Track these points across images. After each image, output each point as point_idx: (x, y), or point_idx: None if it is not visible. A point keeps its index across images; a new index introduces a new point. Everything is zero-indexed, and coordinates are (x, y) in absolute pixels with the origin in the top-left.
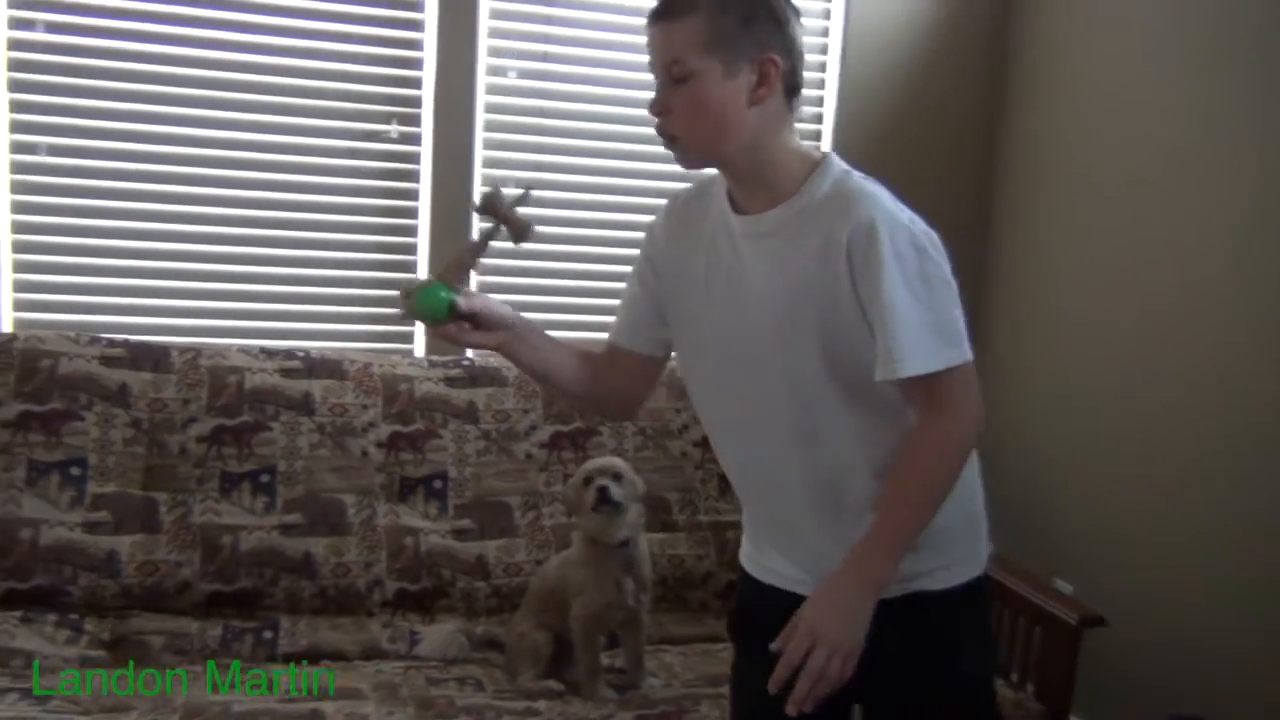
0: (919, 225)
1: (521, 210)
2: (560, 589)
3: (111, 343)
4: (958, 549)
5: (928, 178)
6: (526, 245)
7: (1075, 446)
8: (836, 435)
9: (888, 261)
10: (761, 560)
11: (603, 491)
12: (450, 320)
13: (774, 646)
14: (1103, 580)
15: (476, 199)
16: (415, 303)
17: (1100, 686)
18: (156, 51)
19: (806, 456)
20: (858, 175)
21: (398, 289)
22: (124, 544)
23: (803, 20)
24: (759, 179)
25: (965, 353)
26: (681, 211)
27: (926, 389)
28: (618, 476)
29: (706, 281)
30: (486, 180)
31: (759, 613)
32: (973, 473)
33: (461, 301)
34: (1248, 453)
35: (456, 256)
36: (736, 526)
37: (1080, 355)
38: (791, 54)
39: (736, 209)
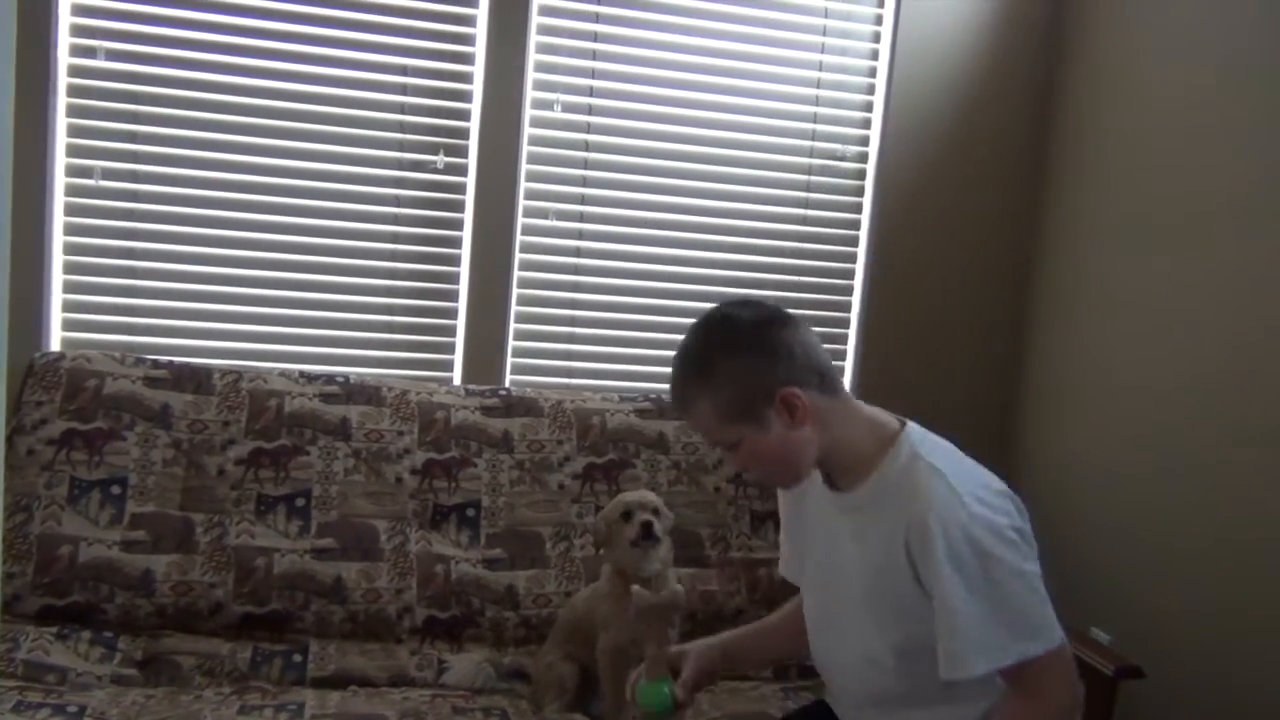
0: (983, 512)
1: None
2: (588, 621)
3: (155, 364)
4: None
5: (971, 212)
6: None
7: (1113, 495)
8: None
9: (943, 564)
10: None
11: (647, 527)
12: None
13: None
14: (1141, 631)
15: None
16: (640, 702)
17: None
18: (210, 80)
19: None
20: (926, 451)
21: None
22: (160, 563)
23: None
24: (838, 466)
25: (1047, 642)
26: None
27: (1013, 676)
28: (656, 511)
29: (815, 533)
30: (529, 211)
31: None
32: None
33: (680, 692)
34: None
35: (654, 656)
36: (768, 564)
37: (1120, 403)
38: (799, 367)
39: (830, 483)
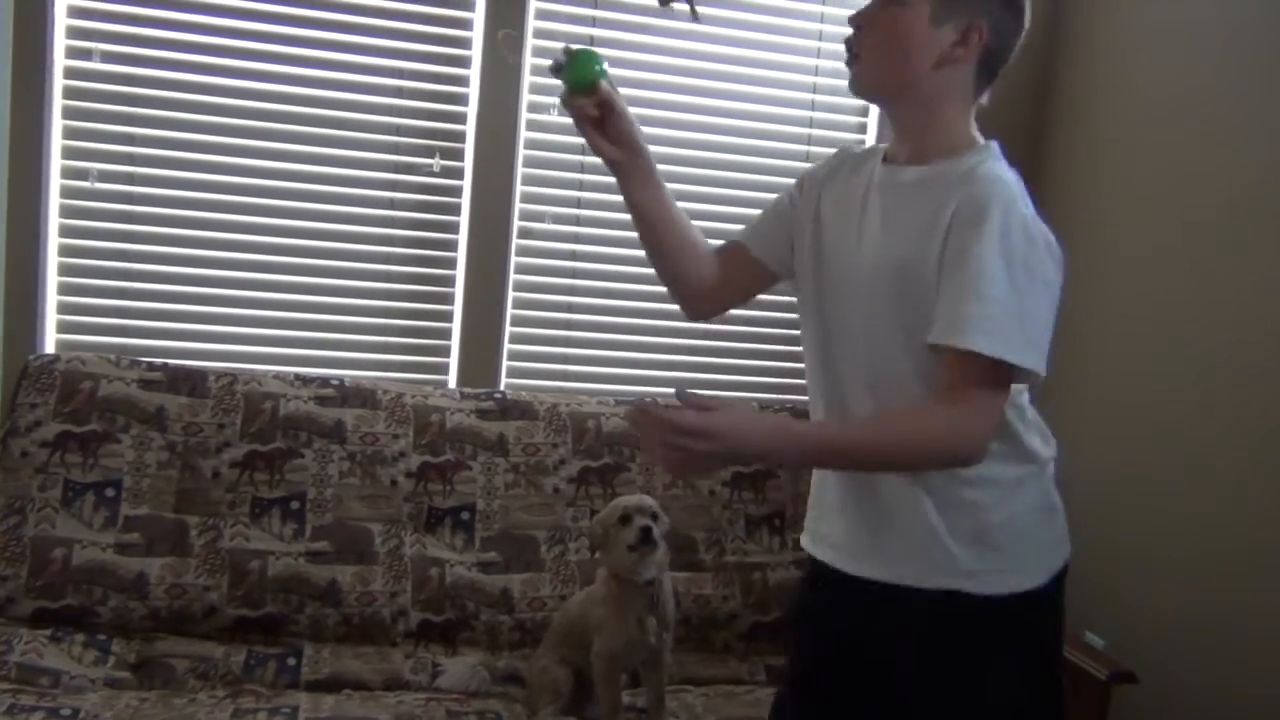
0: (1042, 226)
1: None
2: (582, 625)
3: (150, 366)
4: (1016, 552)
5: None
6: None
7: (1107, 500)
8: (895, 395)
9: (991, 233)
10: (818, 528)
11: (646, 531)
12: (589, 97)
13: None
14: (1135, 636)
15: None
16: (573, 60)
17: None
18: (206, 82)
19: (867, 407)
20: (1007, 167)
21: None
22: (154, 566)
23: None
24: (919, 134)
25: (1035, 364)
26: (839, 164)
27: (964, 373)
28: (654, 515)
29: (834, 225)
30: (525, 214)
31: (809, 594)
32: (1045, 479)
33: (606, 85)
34: None
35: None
36: (763, 568)
37: (1114, 408)
38: (1004, 35)
39: (886, 159)
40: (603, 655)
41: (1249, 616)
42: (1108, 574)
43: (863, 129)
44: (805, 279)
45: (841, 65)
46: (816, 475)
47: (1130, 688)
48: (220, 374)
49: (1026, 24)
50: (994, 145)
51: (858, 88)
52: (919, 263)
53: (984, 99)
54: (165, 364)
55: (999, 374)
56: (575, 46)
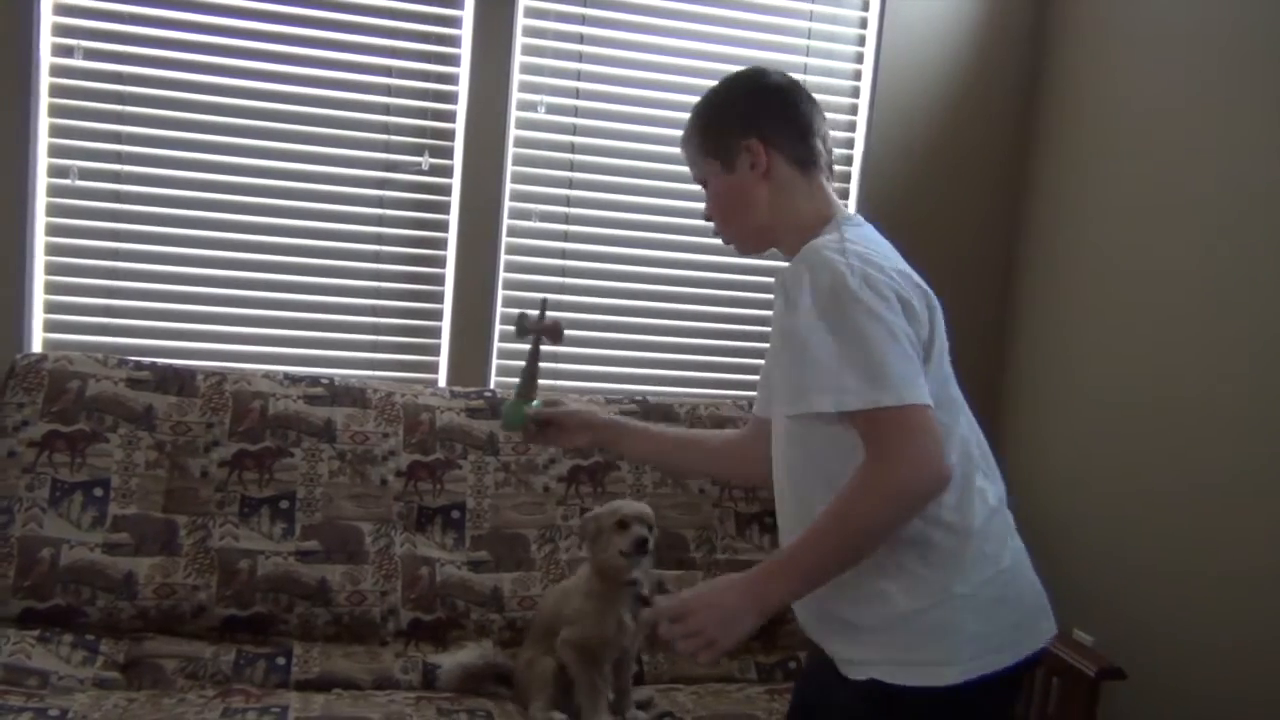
0: (864, 267)
1: (549, 317)
2: (557, 617)
3: (138, 365)
4: (922, 645)
5: (954, 215)
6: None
7: (1096, 498)
8: (799, 472)
9: (804, 301)
10: None
11: (642, 542)
12: (531, 428)
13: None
14: (1123, 632)
15: (513, 328)
16: (504, 417)
17: None
18: (193, 80)
19: (790, 486)
20: (850, 227)
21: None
22: (142, 566)
23: (818, 99)
24: (781, 237)
25: (899, 398)
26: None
27: (865, 430)
28: (651, 527)
29: None
30: (514, 212)
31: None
32: (954, 569)
33: (530, 411)
34: (1272, 505)
35: (525, 372)
36: (753, 565)
37: (1102, 406)
38: (785, 129)
39: None
40: (567, 642)
41: (1236, 613)
42: (1096, 572)
43: (852, 127)
44: None
45: (831, 63)
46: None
47: (1119, 684)
48: (209, 373)
49: (797, 102)
50: (835, 218)
51: (743, 251)
52: (776, 346)
53: (826, 171)
54: (153, 363)
55: (883, 416)
56: (506, 400)
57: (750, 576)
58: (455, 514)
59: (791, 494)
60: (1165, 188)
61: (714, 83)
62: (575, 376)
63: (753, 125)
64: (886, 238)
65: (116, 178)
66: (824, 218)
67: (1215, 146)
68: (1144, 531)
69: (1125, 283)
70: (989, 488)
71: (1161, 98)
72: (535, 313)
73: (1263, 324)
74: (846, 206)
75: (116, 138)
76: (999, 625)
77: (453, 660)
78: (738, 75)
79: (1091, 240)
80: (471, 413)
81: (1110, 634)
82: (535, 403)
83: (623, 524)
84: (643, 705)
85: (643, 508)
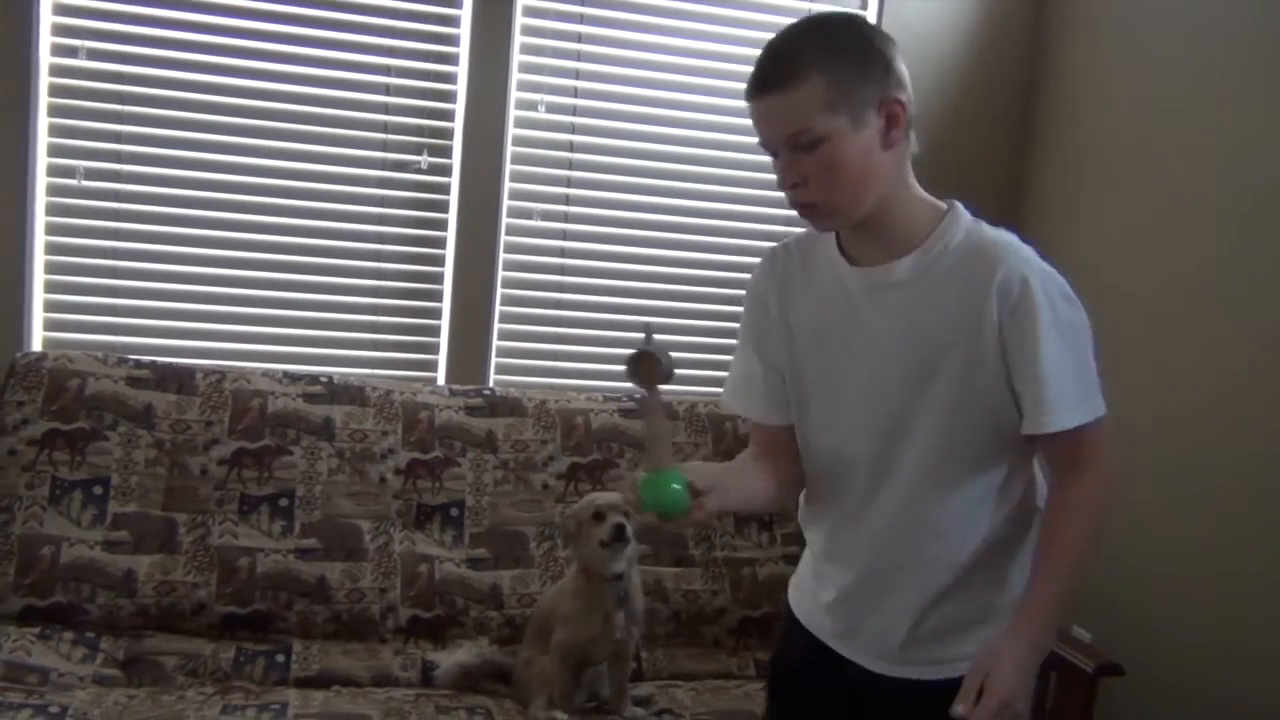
0: (1060, 276)
1: (659, 351)
2: (553, 617)
3: (138, 364)
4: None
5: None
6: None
7: None
8: (938, 492)
9: (1042, 309)
10: (818, 595)
11: (619, 529)
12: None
13: (957, 712)
14: (1121, 629)
15: (625, 368)
16: (656, 499)
17: None
18: (193, 79)
19: (904, 507)
20: (988, 225)
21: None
22: (142, 564)
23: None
24: (886, 230)
25: (1102, 406)
26: (784, 269)
27: (1071, 444)
28: (627, 514)
29: (818, 337)
30: (513, 211)
31: (800, 667)
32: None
33: (693, 485)
34: (1271, 504)
35: (655, 435)
36: (752, 563)
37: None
38: (907, 88)
39: (851, 261)
40: (561, 645)
41: (1234, 610)
42: (1095, 569)
43: None
44: (801, 405)
45: None
46: (851, 573)
47: (1117, 680)
48: (208, 371)
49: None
50: (958, 205)
51: (831, 226)
52: (971, 351)
53: (915, 147)
54: (153, 361)
55: (1095, 426)
56: (639, 484)
57: (1024, 632)
58: (454, 511)
59: (908, 525)
60: (1164, 187)
61: (714, 82)
62: (575, 375)
63: (899, 82)
64: None
65: (116, 177)
66: (934, 210)
67: (1214, 146)
68: (1142, 529)
69: (1124, 282)
70: None
71: (1161, 97)
72: (653, 350)
73: (1263, 324)
74: None
75: (116, 137)
76: None
77: (449, 660)
78: (852, 19)
79: (1090, 239)
80: (470, 410)
81: (1108, 630)
82: (677, 471)
83: (599, 515)
84: (641, 702)
85: (614, 496)
